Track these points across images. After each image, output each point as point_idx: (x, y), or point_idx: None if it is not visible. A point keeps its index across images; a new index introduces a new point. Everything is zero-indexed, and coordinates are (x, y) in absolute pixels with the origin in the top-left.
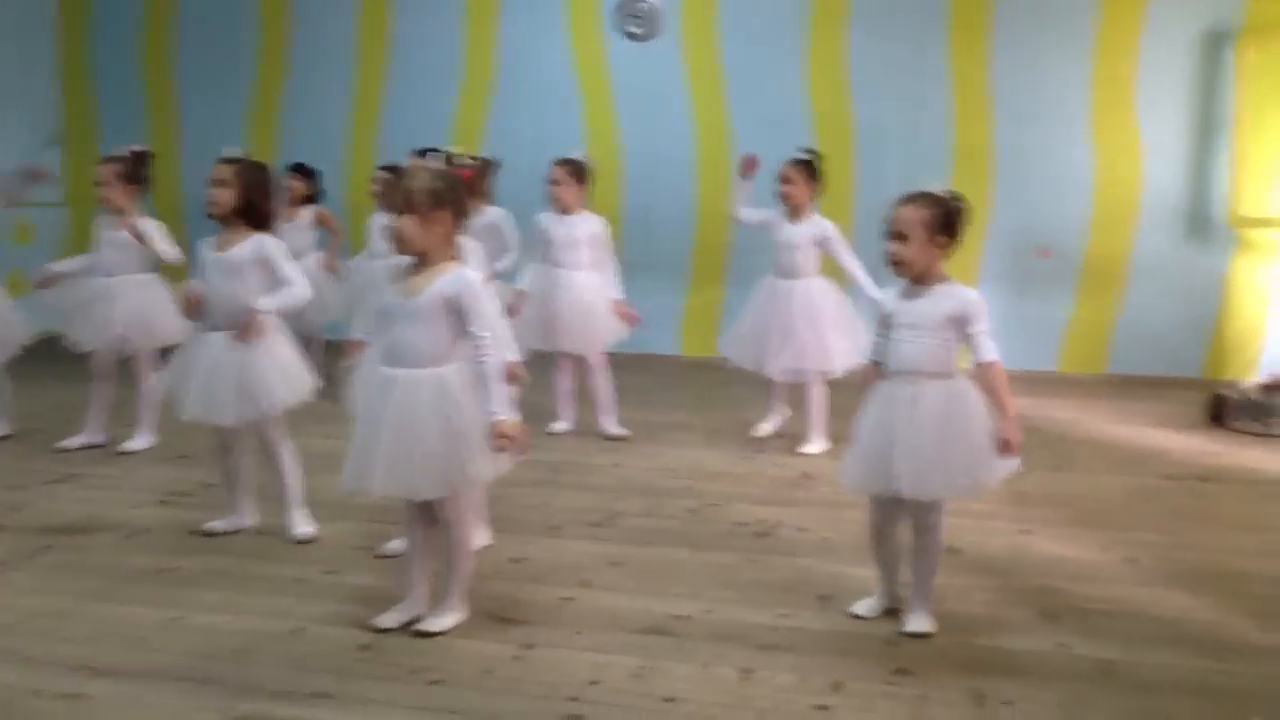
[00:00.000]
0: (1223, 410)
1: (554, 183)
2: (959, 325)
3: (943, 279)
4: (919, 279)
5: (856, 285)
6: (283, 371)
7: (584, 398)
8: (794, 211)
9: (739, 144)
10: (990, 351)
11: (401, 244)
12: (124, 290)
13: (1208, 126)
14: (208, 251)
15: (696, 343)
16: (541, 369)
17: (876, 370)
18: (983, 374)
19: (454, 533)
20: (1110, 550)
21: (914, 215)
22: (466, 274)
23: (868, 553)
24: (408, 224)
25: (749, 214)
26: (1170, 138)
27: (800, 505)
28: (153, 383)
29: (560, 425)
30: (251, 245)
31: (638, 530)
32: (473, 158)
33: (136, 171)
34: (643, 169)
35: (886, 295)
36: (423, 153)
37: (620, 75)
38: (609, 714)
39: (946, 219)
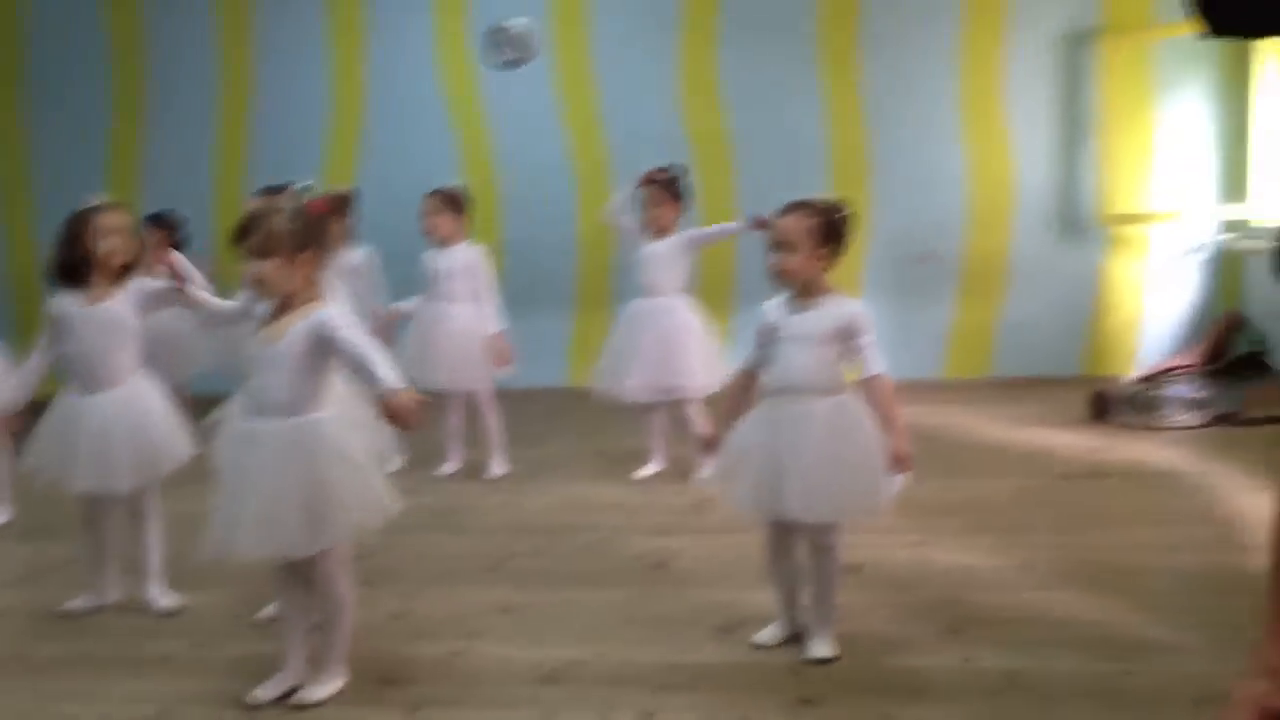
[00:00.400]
0: (1106, 406)
1: (427, 214)
2: (845, 338)
3: (828, 291)
4: (804, 291)
5: (722, 231)
6: (172, 430)
7: (476, 436)
8: (659, 233)
9: (617, 164)
10: (878, 364)
11: (265, 289)
12: None
13: (1074, 126)
14: (74, 306)
15: (585, 372)
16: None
17: (748, 379)
18: (870, 388)
19: (329, 592)
20: (1008, 555)
21: (797, 225)
22: (327, 309)
23: (761, 577)
24: (271, 268)
25: (619, 218)
26: (1039, 138)
27: (697, 533)
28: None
29: (448, 467)
30: (124, 296)
31: (529, 572)
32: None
33: None
34: (522, 196)
35: (770, 307)
36: (270, 190)
37: (493, 102)
38: None
39: (830, 228)
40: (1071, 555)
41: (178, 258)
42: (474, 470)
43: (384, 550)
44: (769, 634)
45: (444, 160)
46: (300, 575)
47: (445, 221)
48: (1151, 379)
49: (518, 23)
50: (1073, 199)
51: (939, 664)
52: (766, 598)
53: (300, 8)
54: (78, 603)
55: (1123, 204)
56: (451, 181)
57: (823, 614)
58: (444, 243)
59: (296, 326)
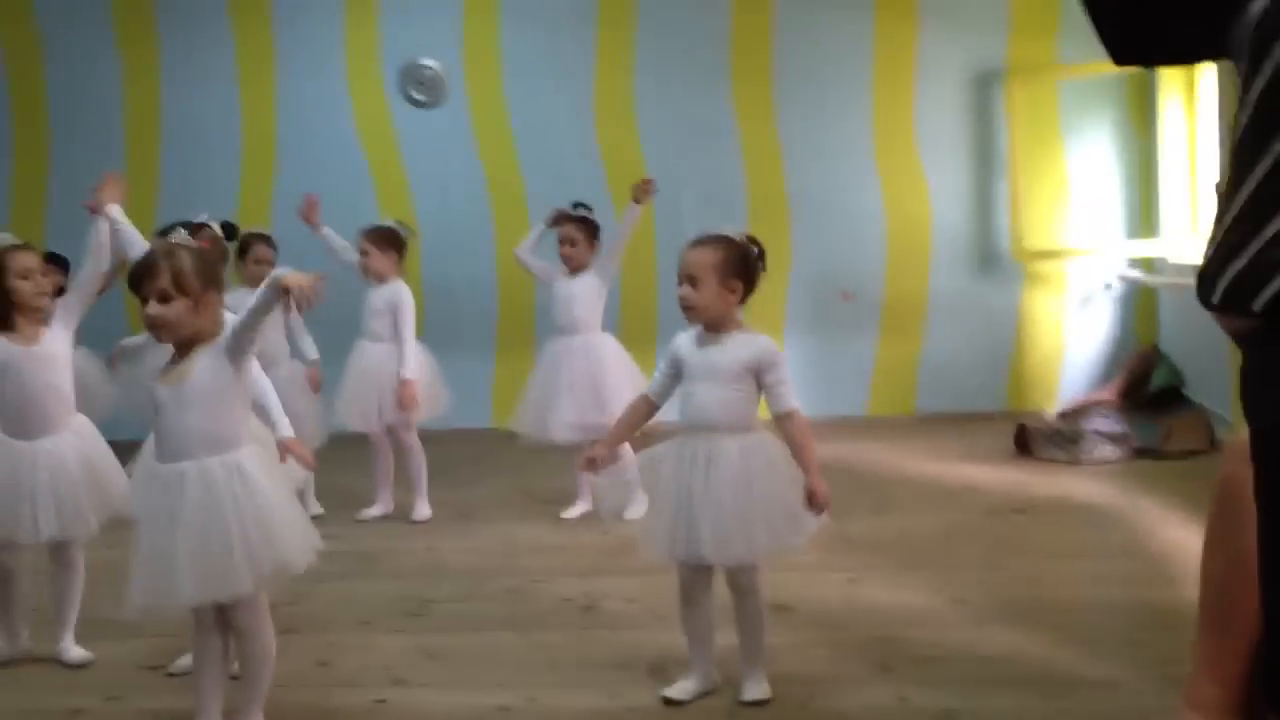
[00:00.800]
0: (1028, 440)
1: (362, 253)
2: (757, 375)
3: (739, 326)
4: (713, 326)
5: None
6: (118, 472)
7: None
8: (575, 270)
9: (533, 203)
10: (790, 401)
11: (171, 331)
12: None
13: (987, 165)
14: (9, 348)
15: (507, 412)
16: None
17: (645, 405)
18: (784, 426)
19: (253, 640)
20: (939, 592)
21: (704, 258)
22: (221, 341)
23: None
24: (179, 309)
25: (530, 259)
26: (952, 176)
27: (626, 574)
28: None
29: (374, 510)
30: (56, 332)
31: (454, 617)
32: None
33: None
34: (439, 236)
35: (682, 339)
36: (164, 231)
37: (409, 142)
38: None
39: (740, 263)
40: (1001, 591)
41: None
42: (399, 513)
43: (304, 597)
44: (681, 688)
45: (360, 197)
46: (219, 624)
47: (378, 259)
48: (1072, 414)
49: (430, 65)
50: (988, 236)
51: (874, 703)
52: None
53: (208, 44)
54: None
55: (1038, 240)
56: (384, 220)
57: (751, 656)
58: (379, 279)
59: (199, 364)
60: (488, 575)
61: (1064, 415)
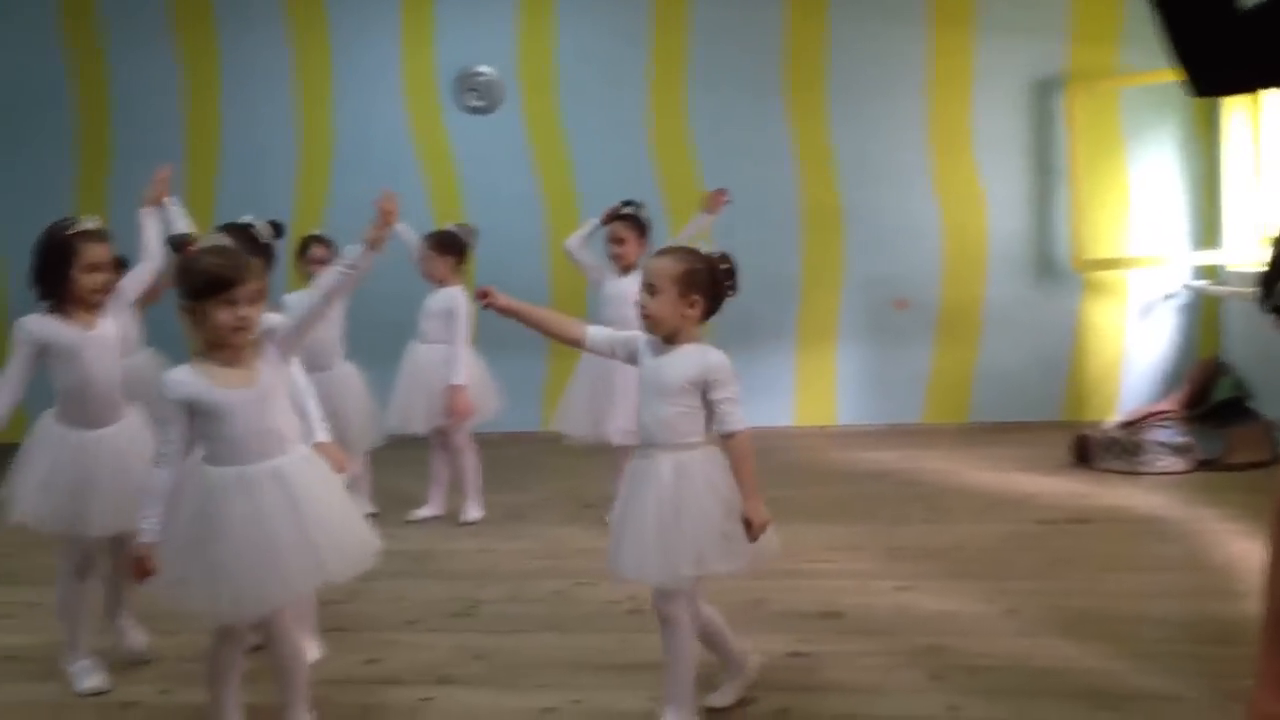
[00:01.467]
0: (1088, 451)
1: (422, 259)
2: (703, 391)
3: (693, 340)
4: (669, 338)
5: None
6: None
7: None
8: (625, 269)
9: (586, 209)
10: (735, 422)
11: (248, 332)
12: None
13: (1045, 172)
14: (69, 332)
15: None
16: (407, 452)
17: (578, 330)
18: (727, 446)
19: (285, 641)
20: (992, 601)
21: (666, 268)
22: (273, 337)
23: (743, 625)
24: (256, 311)
25: (580, 252)
26: (1010, 186)
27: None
28: None
29: (425, 511)
30: (113, 320)
31: (501, 618)
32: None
33: None
34: (492, 241)
35: (641, 341)
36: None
37: (463, 148)
38: None
39: (703, 277)
40: (1056, 602)
41: None
42: (450, 515)
43: (356, 595)
44: (720, 696)
45: (414, 203)
46: (255, 626)
47: (434, 263)
48: (1133, 424)
49: (486, 71)
50: (1047, 245)
51: (922, 713)
52: (746, 644)
53: (266, 52)
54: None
55: (1098, 249)
56: (445, 225)
57: (671, 693)
58: (437, 284)
59: (264, 363)
60: (535, 577)
61: (1124, 425)
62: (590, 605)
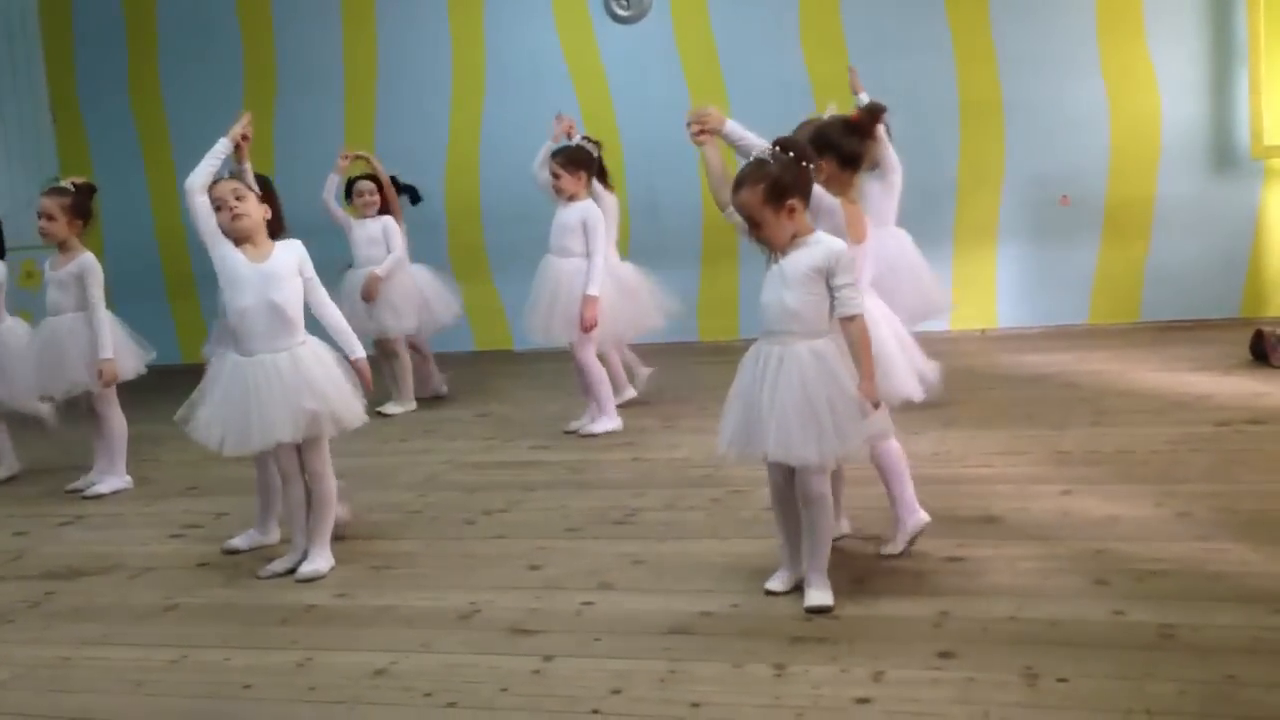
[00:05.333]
0: (1265, 348)
1: (553, 175)
2: (826, 278)
3: (808, 231)
4: (791, 246)
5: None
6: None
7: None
8: (566, 199)
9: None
10: (854, 306)
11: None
12: (72, 330)
13: (1223, 55)
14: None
15: (713, 326)
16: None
17: (722, 167)
18: (845, 329)
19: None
20: (1161, 505)
21: (746, 201)
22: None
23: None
24: None
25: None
26: (1186, 70)
27: None
28: (120, 422)
29: (576, 424)
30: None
31: (659, 525)
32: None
33: (83, 204)
34: (643, 151)
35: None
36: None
37: (612, 58)
38: None
39: (784, 180)
40: (1231, 505)
41: None
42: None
43: (516, 505)
44: (779, 580)
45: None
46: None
47: (566, 180)
48: None
49: None
50: (1225, 131)
51: (1086, 617)
52: (924, 549)
53: None
54: (238, 541)
55: (1277, 135)
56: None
57: (814, 563)
58: (569, 198)
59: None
60: (692, 486)
61: None
62: (746, 513)
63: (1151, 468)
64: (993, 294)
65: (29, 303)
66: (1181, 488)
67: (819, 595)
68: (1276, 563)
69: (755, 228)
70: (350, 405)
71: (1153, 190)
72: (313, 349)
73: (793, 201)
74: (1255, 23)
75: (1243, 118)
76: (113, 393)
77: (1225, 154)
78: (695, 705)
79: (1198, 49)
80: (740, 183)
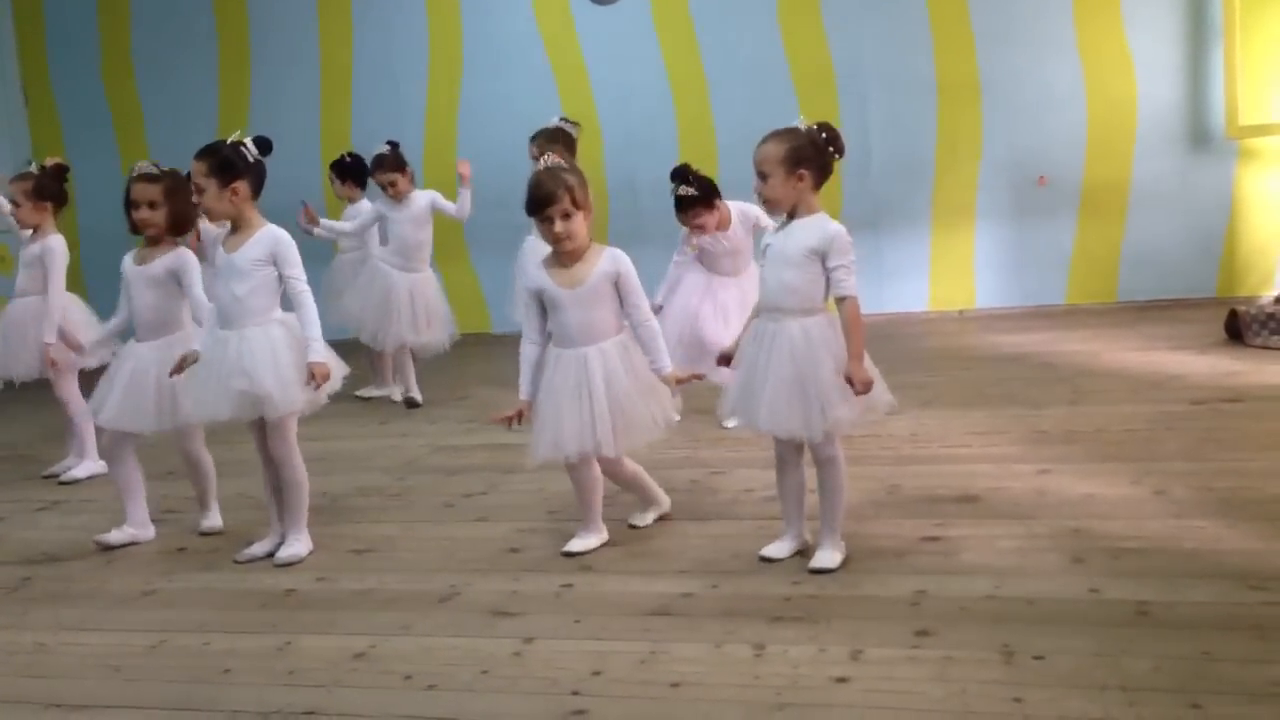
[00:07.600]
0: (1240, 327)
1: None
2: (823, 259)
3: (812, 211)
4: (791, 214)
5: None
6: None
7: None
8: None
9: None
10: (848, 288)
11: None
12: (37, 313)
13: (1199, 35)
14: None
15: None
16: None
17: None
18: (840, 309)
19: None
20: (1138, 483)
21: (770, 153)
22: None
23: (878, 510)
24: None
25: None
26: (1162, 50)
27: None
28: (79, 405)
29: None
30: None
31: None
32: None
33: (48, 187)
34: (623, 134)
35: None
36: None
37: (590, 41)
38: (614, 706)
39: (806, 151)
40: (1207, 483)
41: None
42: None
43: (495, 488)
44: (775, 548)
45: (544, 99)
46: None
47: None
48: None
49: None
50: (1200, 112)
51: (1063, 594)
52: (881, 529)
53: None
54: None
55: (1252, 115)
56: (553, 120)
57: (828, 525)
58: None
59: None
60: (671, 467)
61: None
62: (726, 494)
63: (1128, 446)
64: (971, 274)
65: (5, 287)
66: (1158, 466)
67: (825, 557)
68: (1251, 539)
69: (762, 179)
70: (287, 391)
71: (1129, 170)
72: (267, 330)
73: (804, 171)
74: (1230, 3)
75: (1218, 98)
76: (71, 377)
77: (1201, 134)
78: (675, 685)
79: (1173, 29)
80: (768, 136)
